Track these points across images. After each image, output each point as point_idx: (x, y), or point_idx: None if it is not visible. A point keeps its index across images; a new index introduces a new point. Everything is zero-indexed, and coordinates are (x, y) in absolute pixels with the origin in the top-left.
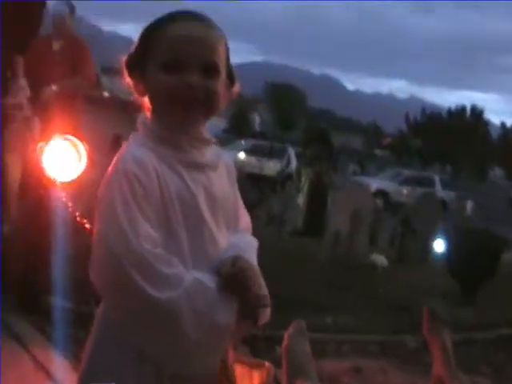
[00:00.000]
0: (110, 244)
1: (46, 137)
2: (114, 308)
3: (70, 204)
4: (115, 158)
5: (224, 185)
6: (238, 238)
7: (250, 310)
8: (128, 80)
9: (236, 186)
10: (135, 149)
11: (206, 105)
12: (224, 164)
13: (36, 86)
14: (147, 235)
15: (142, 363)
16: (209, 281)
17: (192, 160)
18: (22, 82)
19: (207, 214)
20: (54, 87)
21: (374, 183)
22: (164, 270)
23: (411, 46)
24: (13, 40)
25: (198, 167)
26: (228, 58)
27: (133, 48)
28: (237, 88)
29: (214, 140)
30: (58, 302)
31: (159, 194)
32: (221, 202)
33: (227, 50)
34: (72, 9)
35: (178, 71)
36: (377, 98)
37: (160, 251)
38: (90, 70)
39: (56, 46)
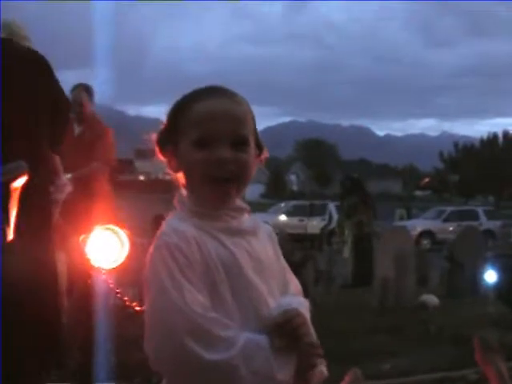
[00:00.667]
0: (162, 315)
1: (86, 228)
2: (175, 379)
3: (117, 290)
4: (156, 236)
5: (267, 249)
6: (289, 298)
7: (306, 360)
8: (160, 157)
9: (279, 251)
10: (174, 222)
11: (239, 178)
12: (263, 230)
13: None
14: (196, 301)
15: None
16: (262, 338)
17: (230, 227)
18: (64, 177)
19: (255, 278)
20: (68, 175)
21: (419, 225)
22: (219, 332)
23: (434, 82)
24: (50, 140)
25: (238, 233)
26: (255, 127)
27: (162, 125)
28: (265, 154)
29: (248, 208)
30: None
31: (202, 261)
32: (268, 266)
33: (253, 119)
34: (90, 92)
35: (208, 147)
36: (409, 140)
37: (213, 315)
38: (108, 151)
39: (77, 130)
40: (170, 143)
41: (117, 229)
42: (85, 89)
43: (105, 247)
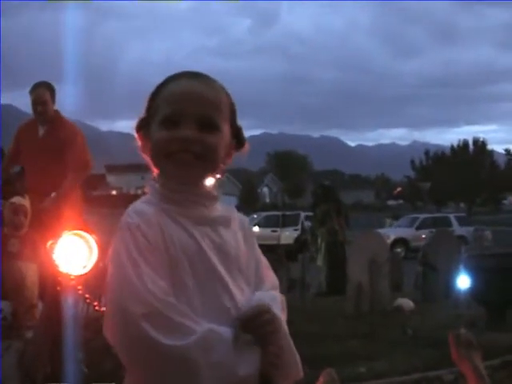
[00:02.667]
0: (119, 296)
1: (55, 235)
2: (133, 365)
3: (86, 295)
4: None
5: (238, 241)
6: (262, 293)
7: (269, 359)
8: (137, 143)
9: (256, 245)
10: (139, 205)
11: (204, 159)
12: (238, 223)
13: (33, 182)
14: (154, 284)
15: None
16: (225, 331)
17: (197, 215)
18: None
19: (220, 268)
20: (53, 195)
21: (392, 233)
22: (177, 318)
23: (403, 93)
24: None
25: (206, 222)
26: (234, 119)
27: (142, 111)
28: (246, 148)
29: (218, 196)
30: None
31: (163, 245)
32: (236, 258)
33: (232, 109)
34: (53, 91)
35: (175, 127)
36: (380, 150)
37: (171, 300)
38: (81, 152)
39: (41, 131)
40: (143, 127)
41: (85, 234)
42: (47, 87)
43: (74, 253)
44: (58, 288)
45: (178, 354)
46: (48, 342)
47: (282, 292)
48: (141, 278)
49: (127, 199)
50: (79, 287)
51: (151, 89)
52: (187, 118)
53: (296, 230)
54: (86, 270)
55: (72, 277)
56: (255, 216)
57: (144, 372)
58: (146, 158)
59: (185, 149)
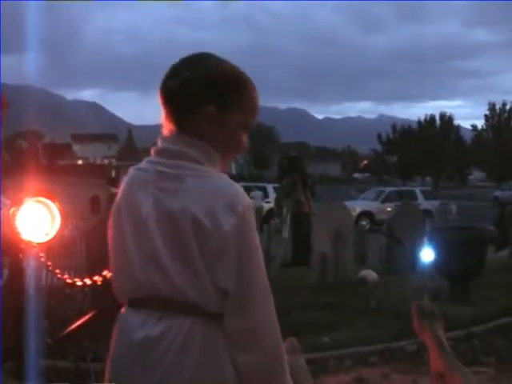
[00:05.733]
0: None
1: (17, 202)
2: None
3: (49, 263)
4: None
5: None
6: None
7: None
8: (190, 108)
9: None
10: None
11: None
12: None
13: None
14: None
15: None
16: None
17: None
18: None
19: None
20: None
21: (357, 205)
22: None
23: (370, 66)
24: None
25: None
26: None
27: (210, 79)
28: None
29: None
30: (52, 363)
31: None
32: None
33: None
34: None
35: (246, 131)
36: (347, 123)
37: None
38: None
39: None
40: (212, 101)
41: (48, 201)
42: None
43: (36, 220)
44: (21, 256)
45: None
46: (10, 311)
47: None
48: None
49: (93, 169)
50: (42, 255)
51: (113, 58)
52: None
53: (267, 202)
54: (49, 238)
55: (34, 244)
56: None
57: None
58: (206, 126)
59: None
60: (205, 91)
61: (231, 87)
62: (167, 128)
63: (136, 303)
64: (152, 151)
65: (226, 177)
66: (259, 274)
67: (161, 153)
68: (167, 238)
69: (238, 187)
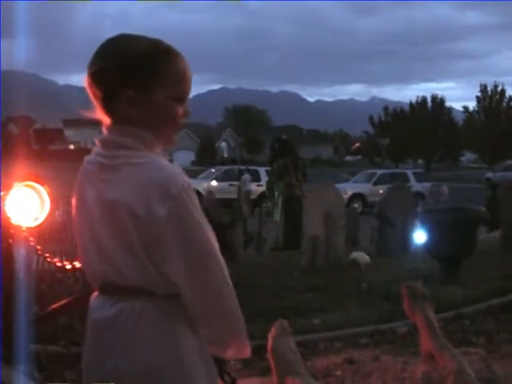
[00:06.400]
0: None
1: (6, 186)
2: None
3: (38, 247)
4: None
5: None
6: None
7: None
8: (96, 93)
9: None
10: (173, 164)
11: None
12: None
13: None
14: None
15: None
16: None
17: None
18: None
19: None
20: None
21: (349, 188)
22: None
23: (361, 49)
24: None
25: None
26: None
27: (120, 65)
28: None
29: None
30: (42, 347)
31: None
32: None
33: None
34: None
35: (182, 102)
36: (339, 105)
37: None
38: None
39: None
40: (130, 85)
41: (37, 185)
42: None
43: (25, 205)
44: (10, 240)
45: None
46: (3, 294)
47: (237, 246)
48: None
49: (85, 153)
50: (31, 239)
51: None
52: (188, 95)
53: (259, 185)
54: (39, 222)
55: (24, 229)
56: (213, 170)
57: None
58: (132, 111)
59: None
60: (118, 77)
61: (147, 65)
62: (103, 118)
63: (99, 289)
64: (96, 142)
65: (160, 160)
66: (205, 253)
67: (101, 144)
68: (110, 228)
69: (172, 169)
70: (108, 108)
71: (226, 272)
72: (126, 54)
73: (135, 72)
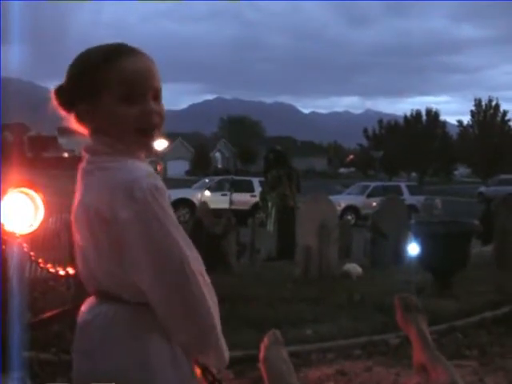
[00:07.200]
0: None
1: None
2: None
3: (31, 253)
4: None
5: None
6: None
7: None
8: (63, 112)
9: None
10: (146, 168)
11: (158, 129)
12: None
13: None
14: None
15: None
16: None
17: None
18: None
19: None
20: None
21: (343, 200)
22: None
23: (357, 61)
24: None
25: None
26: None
27: (70, 81)
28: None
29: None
30: (35, 354)
31: None
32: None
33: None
34: None
35: (136, 102)
36: (333, 118)
37: None
38: None
39: None
40: (82, 99)
41: (31, 192)
42: None
43: (19, 211)
44: (4, 246)
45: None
46: None
47: (230, 256)
48: None
49: (79, 162)
50: (25, 245)
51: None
52: (146, 93)
53: (253, 196)
54: (33, 229)
55: (18, 235)
56: (207, 180)
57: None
58: (83, 125)
59: (151, 122)
60: (69, 96)
61: (88, 75)
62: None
63: (89, 293)
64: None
65: (132, 164)
66: (174, 261)
67: (84, 151)
68: (87, 232)
69: (140, 172)
70: (77, 122)
71: (198, 279)
72: (71, 70)
73: (80, 84)
